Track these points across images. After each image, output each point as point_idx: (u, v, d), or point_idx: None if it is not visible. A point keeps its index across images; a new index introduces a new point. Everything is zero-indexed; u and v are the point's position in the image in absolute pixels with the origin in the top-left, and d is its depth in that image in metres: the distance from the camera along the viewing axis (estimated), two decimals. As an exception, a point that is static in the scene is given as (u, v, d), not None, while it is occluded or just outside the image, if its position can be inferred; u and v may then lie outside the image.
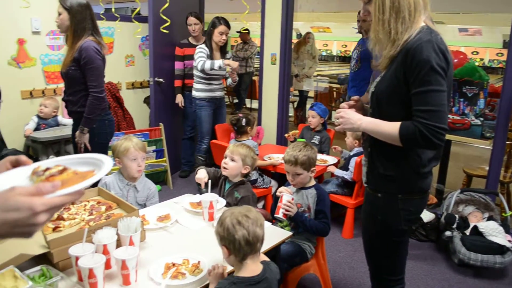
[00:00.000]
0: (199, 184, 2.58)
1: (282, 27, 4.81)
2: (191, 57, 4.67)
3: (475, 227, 3.33)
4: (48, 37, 4.47)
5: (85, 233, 1.64)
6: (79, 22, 2.99)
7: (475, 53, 17.33)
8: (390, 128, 1.68)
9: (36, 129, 4.34)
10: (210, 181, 2.42)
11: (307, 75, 7.53)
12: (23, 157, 1.02)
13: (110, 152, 3.14)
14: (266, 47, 5.02)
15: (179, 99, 4.84)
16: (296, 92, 7.99)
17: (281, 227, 2.45)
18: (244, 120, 3.97)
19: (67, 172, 0.92)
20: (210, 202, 2.24)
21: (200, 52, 4.33)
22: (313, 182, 2.61)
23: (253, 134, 4.14)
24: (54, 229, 1.86)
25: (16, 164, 1.01)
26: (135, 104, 5.45)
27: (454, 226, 3.35)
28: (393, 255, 1.94)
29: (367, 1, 1.77)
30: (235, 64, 4.25)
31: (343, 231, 3.78)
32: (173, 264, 1.77)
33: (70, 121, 3.64)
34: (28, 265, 1.65)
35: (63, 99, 3.26)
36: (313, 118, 4.26)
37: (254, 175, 3.78)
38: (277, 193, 2.48)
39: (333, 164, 3.89)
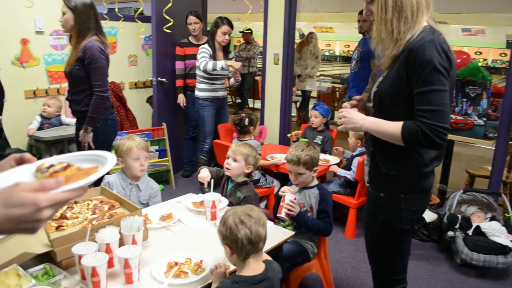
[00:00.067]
0: (202, 184, 2.59)
1: (285, 27, 4.82)
2: (192, 57, 4.68)
3: (478, 227, 3.33)
4: (51, 37, 4.49)
5: (88, 232, 1.65)
6: (83, 22, 3.00)
7: (478, 53, 17.30)
8: (392, 127, 1.69)
9: (40, 128, 4.36)
10: (212, 180, 2.43)
11: (310, 75, 7.53)
12: (27, 155, 1.02)
13: (113, 152, 3.15)
14: (269, 47, 5.02)
15: (181, 99, 4.83)
16: (299, 92, 7.99)
17: (284, 227, 2.45)
18: (247, 120, 3.98)
19: (70, 168, 0.93)
20: (212, 202, 2.25)
21: (203, 52, 4.33)
22: (315, 182, 2.61)
23: (255, 134, 4.15)
24: (57, 228, 1.87)
25: (20, 162, 1.02)
26: (138, 104, 5.46)
27: (457, 226, 3.35)
28: (395, 255, 1.94)
29: (370, 1, 1.78)
30: (237, 65, 4.25)
31: (345, 231, 3.78)
32: (176, 263, 1.78)
33: (73, 121, 3.65)
34: (31, 263, 1.66)
35: (66, 99, 3.27)
36: (315, 118, 4.26)
37: (257, 175, 3.78)
38: (280, 193, 2.48)
39: (335, 164, 3.89)
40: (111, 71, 3.25)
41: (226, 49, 4.50)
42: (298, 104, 8.25)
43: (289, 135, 4.62)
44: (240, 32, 8.83)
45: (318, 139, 4.25)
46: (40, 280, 1.56)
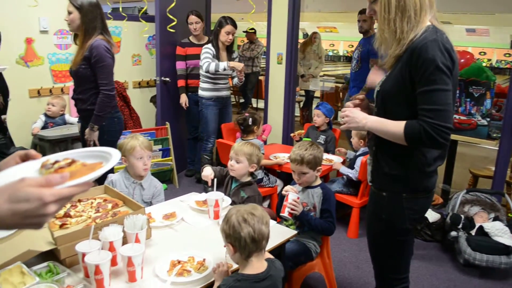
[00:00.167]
0: (206, 183, 2.60)
1: (289, 27, 4.82)
2: (193, 57, 4.66)
3: (481, 228, 3.32)
4: (55, 36, 4.51)
5: (92, 230, 1.66)
6: (90, 21, 3.01)
7: (482, 53, 17.26)
8: (395, 127, 1.69)
9: (44, 127, 4.38)
10: (215, 179, 2.43)
11: (313, 75, 7.53)
12: (32, 151, 1.03)
13: (117, 150, 3.16)
14: (273, 47, 5.02)
15: (183, 99, 4.78)
16: (302, 92, 7.99)
17: (287, 226, 2.45)
18: (250, 119, 3.98)
19: (75, 164, 0.94)
20: (215, 201, 2.26)
21: (206, 52, 4.33)
22: (319, 181, 2.61)
23: (259, 134, 4.15)
24: (61, 226, 1.88)
25: (25, 159, 1.03)
26: (142, 103, 5.47)
27: (460, 226, 3.35)
28: (398, 254, 1.94)
29: (373, 0, 1.78)
30: (239, 66, 4.24)
31: (348, 230, 3.78)
32: (179, 262, 1.79)
33: (77, 120, 3.67)
34: (35, 261, 1.67)
35: (72, 97, 3.28)
36: (318, 117, 4.26)
37: (260, 174, 3.78)
38: (283, 192, 2.49)
39: (339, 162, 3.89)
40: (115, 70, 3.25)
41: (229, 49, 4.50)
42: (301, 104, 8.25)
43: (292, 134, 4.62)
44: (244, 31, 8.85)
45: (321, 138, 4.25)
46: (44, 278, 1.57)
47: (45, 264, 1.66)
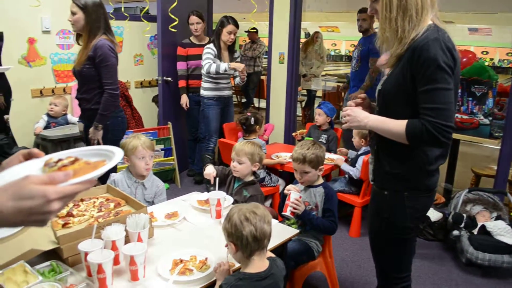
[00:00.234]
0: (208, 182, 2.60)
1: (290, 26, 4.82)
2: (194, 57, 4.65)
3: (483, 227, 3.32)
4: (58, 36, 4.52)
5: (94, 229, 1.66)
6: (94, 21, 3.03)
7: (485, 52, 17.24)
8: (396, 126, 1.69)
9: (46, 127, 4.38)
10: (218, 178, 2.44)
11: (315, 74, 7.53)
12: (35, 150, 1.04)
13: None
14: (274, 46, 5.02)
15: (184, 99, 4.75)
16: (304, 92, 7.99)
17: (289, 225, 2.46)
18: (252, 119, 3.98)
19: (78, 162, 0.94)
20: (217, 200, 2.26)
21: (208, 53, 4.32)
22: (321, 181, 2.61)
23: (261, 133, 4.15)
24: (64, 225, 1.88)
25: (28, 157, 1.03)
26: (144, 103, 5.48)
27: (462, 225, 3.34)
28: (399, 253, 1.94)
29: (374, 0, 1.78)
30: (240, 67, 4.23)
31: (350, 229, 3.78)
32: (181, 261, 1.79)
33: (77, 120, 3.68)
34: (38, 260, 1.68)
35: (76, 97, 3.30)
36: (319, 116, 4.26)
37: (262, 174, 3.79)
38: (285, 191, 2.49)
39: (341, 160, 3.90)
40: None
41: (231, 49, 4.50)
42: (303, 103, 8.25)
43: (294, 134, 4.62)
44: (246, 31, 8.85)
45: (323, 138, 4.25)
46: (47, 277, 1.58)
47: (48, 263, 1.66)
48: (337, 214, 2.52)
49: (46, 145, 4.24)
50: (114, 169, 3.04)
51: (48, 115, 4.43)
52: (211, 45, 4.38)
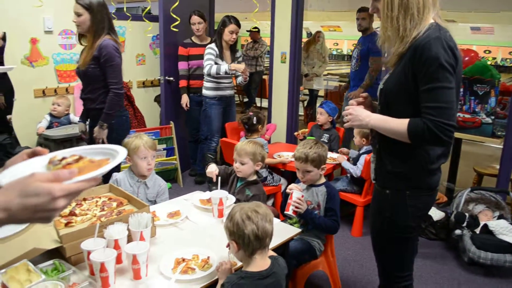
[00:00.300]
0: (210, 181, 2.61)
1: (292, 26, 4.82)
2: (196, 57, 4.64)
3: (485, 226, 3.32)
4: (60, 36, 4.53)
5: (97, 228, 1.67)
6: (99, 22, 3.05)
7: (487, 51, 17.19)
8: (398, 124, 1.69)
9: (49, 127, 4.40)
10: (220, 177, 2.44)
11: (317, 74, 7.53)
12: (39, 148, 1.04)
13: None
14: (276, 46, 5.03)
15: (185, 99, 4.73)
16: (306, 91, 7.99)
17: (291, 224, 2.46)
18: (255, 118, 3.99)
19: (83, 160, 0.95)
20: (219, 199, 2.26)
21: (209, 53, 4.32)
22: (323, 180, 2.61)
23: (263, 132, 4.16)
24: (67, 225, 1.89)
25: (32, 156, 1.04)
26: (146, 103, 5.49)
27: (464, 224, 3.34)
28: (401, 252, 1.94)
29: (376, -2, 1.78)
30: (241, 68, 4.22)
31: (352, 229, 3.78)
32: (183, 259, 1.80)
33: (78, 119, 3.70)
34: (41, 259, 1.69)
35: (81, 97, 3.31)
36: (321, 115, 4.26)
37: (264, 173, 3.79)
38: (287, 190, 2.49)
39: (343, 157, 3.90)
40: (119, 70, 3.28)
41: (233, 48, 4.50)
42: (305, 103, 8.25)
43: (296, 133, 4.63)
44: (248, 31, 8.85)
45: (325, 137, 4.25)
46: (50, 275, 1.58)
47: (50, 262, 1.67)
48: (339, 213, 2.52)
49: (49, 144, 4.25)
50: (117, 168, 3.05)
51: (50, 115, 4.44)
52: (212, 45, 4.37)
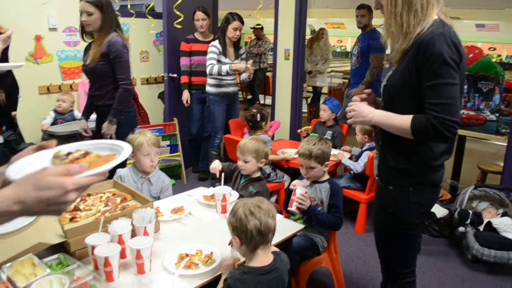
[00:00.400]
0: (213, 178, 2.61)
1: (296, 23, 4.81)
2: (198, 53, 4.62)
3: (489, 223, 3.31)
4: (64, 33, 4.54)
5: (101, 223, 1.68)
6: (109, 19, 3.09)
7: (492, 49, 17.09)
8: (402, 121, 1.69)
9: (53, 123, 4.41)
10: (223, 173, 2.45)
11: (320, 71, 7.51)
12: (45, 142, 1.06)
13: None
14: (280, 43, 5.02)
15: (185, 95, 4.70)
16: (310, 88, 7.98)
17: (294, 220, 2.46)
18: (259, 115, 3.99)
19: (90, 155, 0.97)
20: (223, 195, 2.28)
21: (212, 52, 4.31)
22: (326, 176, 2.62)
23: (267, 129, 4.16)
24: (71, 220, 1.91)
25: (39, 150, 1.05)
26: (150, 100, 5.49)
27: (468, 222, 3.34)
28: (404, 248, 1.94)
29: (379, -6, 1.78)
30: (242, 67, 4.19)
31: (355, 225, 3.79)
32: (187, 255, 1.81)
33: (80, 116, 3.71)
34: (46, 253, 1.70)
35: (89, 94, 3.33)
36: (324, 112, 4.25)
37: (267, 170, 3.80)
38: (291, 186, 2.50)
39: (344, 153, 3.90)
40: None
41: (236, 45, 4.50)
42: (309, 100, 8.24)
43: (299, 130, 4.62)
44: (251, 28, 8.84)
45: (328, 134, 4.24)
46: (55, 269, 1.60)
47: (55, 256, 1.68)
48: (343, 210, 2.52)
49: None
50: (123, 164, 3.06)
51: (55, 111, 4.46)
52: (216, 42, 4.36)
